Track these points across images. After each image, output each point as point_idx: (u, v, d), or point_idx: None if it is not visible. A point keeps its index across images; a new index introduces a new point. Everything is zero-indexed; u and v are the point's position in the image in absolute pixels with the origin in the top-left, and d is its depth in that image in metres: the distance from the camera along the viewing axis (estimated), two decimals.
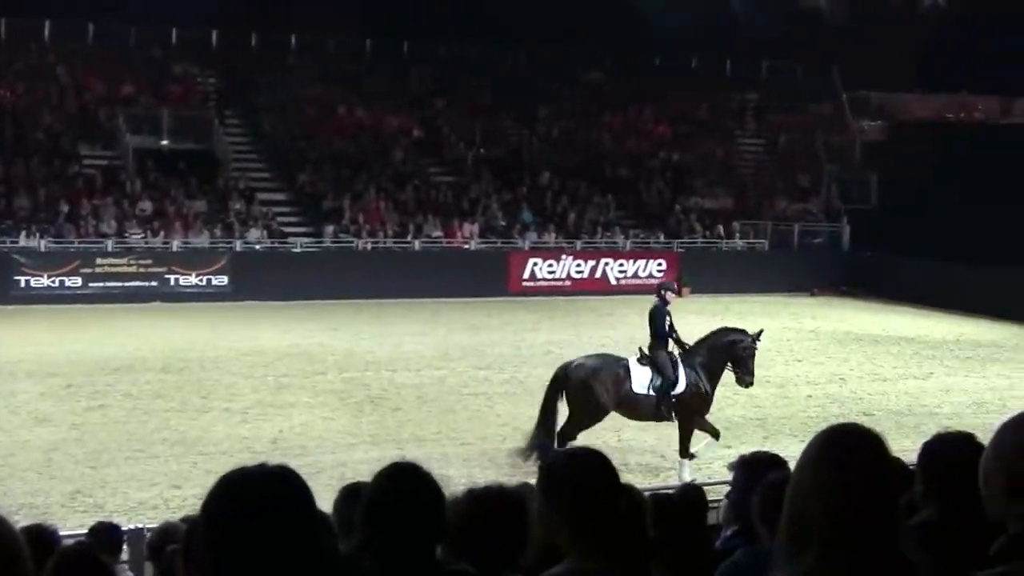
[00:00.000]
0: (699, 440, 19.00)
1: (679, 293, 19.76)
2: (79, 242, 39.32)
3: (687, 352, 19.19)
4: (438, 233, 44.28)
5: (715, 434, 18.95)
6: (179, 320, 34.69)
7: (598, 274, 45.02)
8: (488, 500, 4.69)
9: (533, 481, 4.13)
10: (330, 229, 42.84)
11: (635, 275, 45.29)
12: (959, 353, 32.66)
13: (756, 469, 6.05)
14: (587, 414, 18.77)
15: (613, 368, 18.96)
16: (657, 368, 18.85)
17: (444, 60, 53.35)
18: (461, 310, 38.18)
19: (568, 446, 18.49)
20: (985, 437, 3.67)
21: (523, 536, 4.43)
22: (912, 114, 56.27)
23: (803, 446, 3.41)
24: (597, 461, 4.06)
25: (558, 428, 18.59)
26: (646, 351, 19.17)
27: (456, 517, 4.45)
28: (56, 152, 42.89)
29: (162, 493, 17.12)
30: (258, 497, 3.19)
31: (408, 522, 4.04)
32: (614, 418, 19.26)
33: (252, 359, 28.56)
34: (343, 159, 46.55)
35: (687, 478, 18.42)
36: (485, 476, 15.92)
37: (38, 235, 39.03)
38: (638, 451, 19.11)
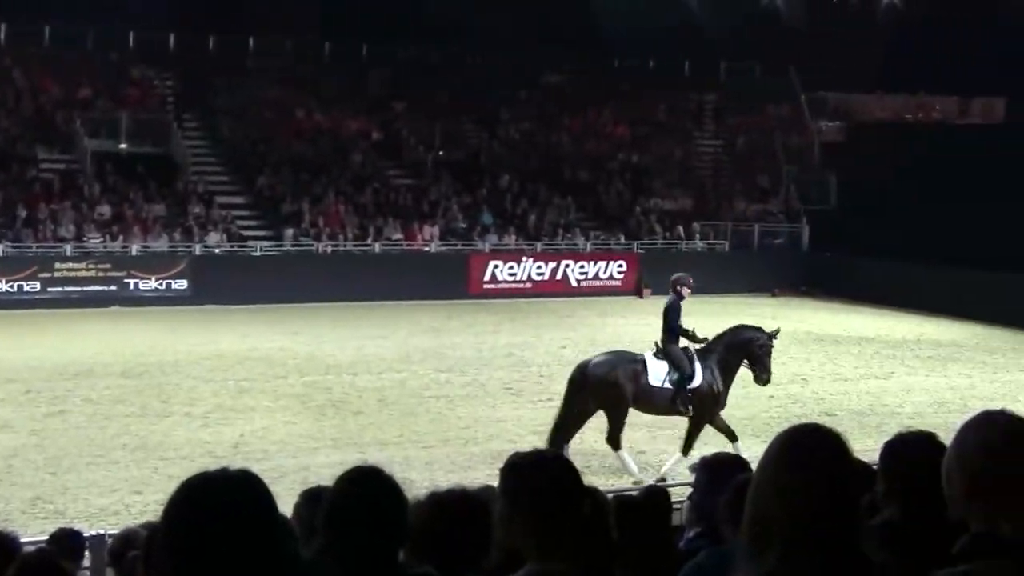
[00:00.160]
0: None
1: (692, 288, 19.72)
2: (37, 247, 39.04)
3: (703, 349, 19.28)
4: (398, 236, 44.16)
5: (731, 436, 18.81)
6: (139, 324, 34.46)
7: (559, 276, 44.99)
8: (451, 503, 4.69)
9: (495, 484, 4.12)
10: (290, 232, 42.69)
11: (595, 277, 45.37)
12: (920, 352, 32.83)
13: (719, 471, 6.07)
14: (621, 410, 18.80)
15: (630, 364, 19.04)
16: (673, 362, 18.96)
17: (403, 63, 53.21)
18: (422, 313, 38.10)
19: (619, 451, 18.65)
20: (947, 436, 3.68)
21: (486, 539, 4.42)
22: (870, 115, 56.54)
23: (765, 447, 3.41)
24: (559, 463, 4.05)
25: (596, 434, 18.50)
26: (660, 345, 19.28)
27: (419, 520, 4.44)
28: (13, 156, 42.62)
29: (123, 499, 17.02)
30: (220, 502, 3.18)
31: (370, 526, 4.02)
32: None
33: (212, 363, 28.42)
34: (302, 162, 46.39)
35: (634, 470, 18.48)
36: (447, 479, 15.87)
37: None
38: (601, 453, 19.11)
